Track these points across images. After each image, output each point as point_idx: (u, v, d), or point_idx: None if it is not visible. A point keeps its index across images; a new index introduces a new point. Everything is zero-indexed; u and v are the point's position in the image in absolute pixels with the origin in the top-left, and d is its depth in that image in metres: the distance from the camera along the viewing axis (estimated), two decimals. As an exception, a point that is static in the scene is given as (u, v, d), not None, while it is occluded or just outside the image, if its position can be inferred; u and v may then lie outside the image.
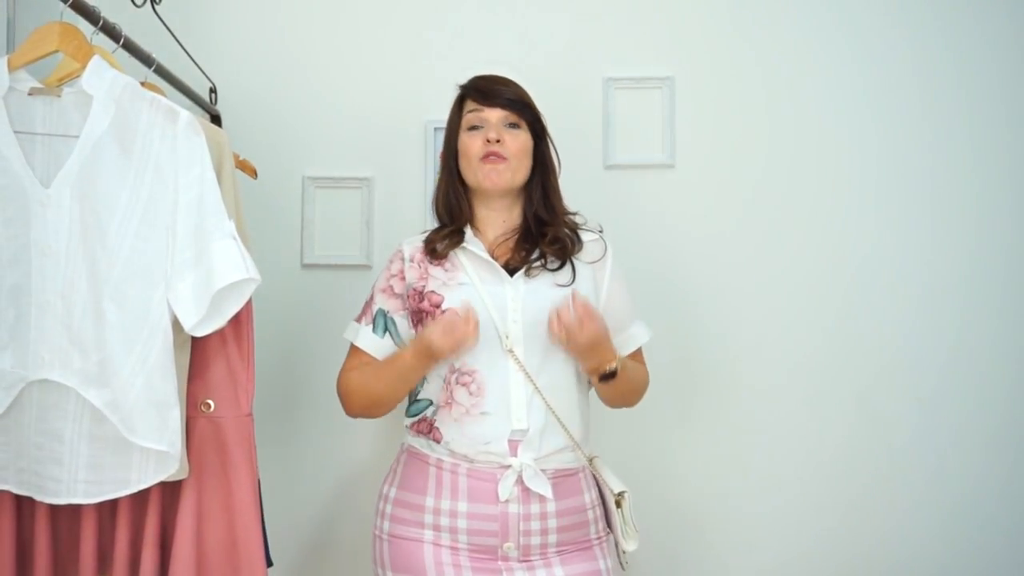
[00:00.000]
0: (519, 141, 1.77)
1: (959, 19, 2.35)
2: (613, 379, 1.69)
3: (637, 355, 1.86)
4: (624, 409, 1.92)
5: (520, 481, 1.65)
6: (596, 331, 1.64)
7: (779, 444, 2.32)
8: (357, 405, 1.78)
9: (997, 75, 2.35)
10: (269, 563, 1.77)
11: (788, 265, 2.34)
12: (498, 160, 1.74)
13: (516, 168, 1.76)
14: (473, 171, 1.77)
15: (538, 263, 1.74)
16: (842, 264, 2.34)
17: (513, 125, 1.78)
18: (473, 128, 1.78)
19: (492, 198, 1.79)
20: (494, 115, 1.77)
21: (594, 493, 1.77)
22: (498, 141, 1.74)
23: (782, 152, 2.35)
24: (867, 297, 2.33)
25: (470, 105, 1.80)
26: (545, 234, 1.77)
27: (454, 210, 1.81)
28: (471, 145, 1.76)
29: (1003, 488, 2.31)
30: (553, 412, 1.68)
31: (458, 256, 1.77)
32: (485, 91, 1.79)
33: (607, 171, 2.32)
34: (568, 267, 1.76)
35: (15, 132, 1.57)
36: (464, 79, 1.86)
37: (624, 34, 2.38)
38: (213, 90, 2.30)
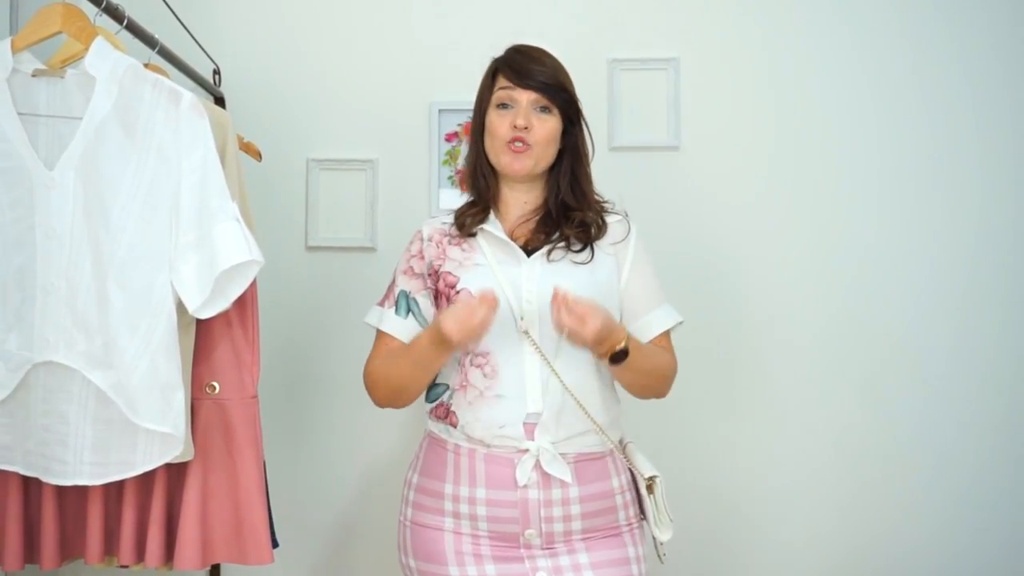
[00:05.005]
0: (547, 127, 1.70)
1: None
2: (625, 359, 1.61)
3: (662, 340, 1.77)
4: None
5: (538, 466, 1.60)
6: (598, 325, 1.56)
7: (784, 427, 2.32)
8: (380, 395, 1.73)
9: (1001, 64, 2.34)
10: (275, 544, 1.78)
11: (794, 248, 2.33)
12: (523, 147, 1.69)
13: (540, 156, 1.71)
14: (497, 154, 1.71)
15: (561, 245, 1.69)
16: (849, 246, 2.33)
17: (544, 109, 1.70)
18: (502, 106, 1.70)
19: (515, 180, 1.75)
20: (525, 97, 1.69)
21: (624, 478, 1.69)
22: (525, 128, 1.68)
23: (788, 134, 2.34)
24: (875, 282, 2.32)
25: (502, 81, 1.71)
26: (571, 218, 1.72)
27: (480, 187, 1.76)
28: (499, 126, 1.70)
29: (1011, 473, 2.31)
30: (571, 394, 1.63)
31: (477, 237, 1.73)
32: (519, 70, 1.70)
33: (612, 153, 2.31)
34: (588, 250, 1.71)
35: (19, 114, 1.57)
36: (500, 51, 1.76)
37: (629, 15, 2.36)
38: (217, 72, 2.29)
